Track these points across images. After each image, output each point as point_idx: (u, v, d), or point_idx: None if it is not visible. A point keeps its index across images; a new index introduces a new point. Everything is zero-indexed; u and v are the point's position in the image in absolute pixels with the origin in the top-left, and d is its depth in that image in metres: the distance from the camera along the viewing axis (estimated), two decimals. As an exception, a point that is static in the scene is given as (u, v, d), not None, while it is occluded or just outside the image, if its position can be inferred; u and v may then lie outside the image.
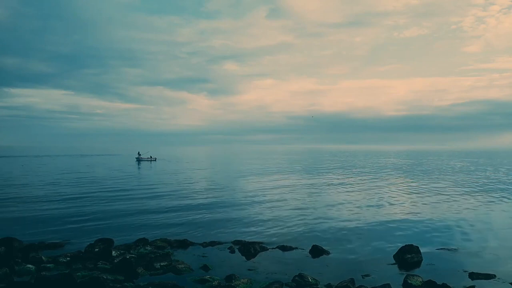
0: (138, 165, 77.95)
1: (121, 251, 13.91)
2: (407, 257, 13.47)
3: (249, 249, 14.52)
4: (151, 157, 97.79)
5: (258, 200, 28.14)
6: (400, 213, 23.29)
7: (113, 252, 13.58)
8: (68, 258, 12.96)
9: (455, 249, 15.19)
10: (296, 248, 15.22)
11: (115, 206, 25.11)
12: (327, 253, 14.50)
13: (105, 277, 10.80)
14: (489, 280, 11.64)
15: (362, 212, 23.34)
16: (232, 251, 14.74)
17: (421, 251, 13.88)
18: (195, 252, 14.64)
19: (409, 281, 11.06)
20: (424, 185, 39.66)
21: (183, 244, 15.46)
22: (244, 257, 14.02)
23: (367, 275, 12.01)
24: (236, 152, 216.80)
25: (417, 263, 13.28)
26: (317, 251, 14.53)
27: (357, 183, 41.15)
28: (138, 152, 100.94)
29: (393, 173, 57.34)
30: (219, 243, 15.82)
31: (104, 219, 20.85)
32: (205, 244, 15.58)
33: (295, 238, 16.86)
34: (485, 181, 44.71)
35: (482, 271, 12.23)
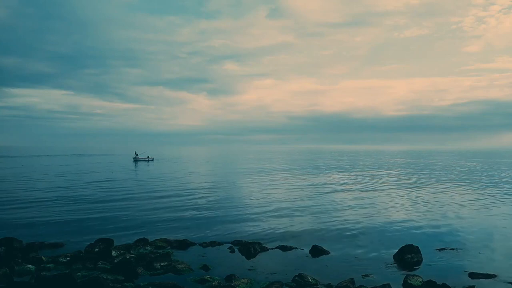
0: (135, 165, 77.76)
1: (121, 251, 13.90)
2: (407, 257, 13.48)
3: (249, 249, 14.52)
4: (148, 157, 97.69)
5: (258, 200, 28.13)
6: (400, 213, 23.29)
7: (113, 252, 13.58)
8: (68, 258, 12.95)
9: (455, 249, 15.19)
10: (296, 248, 15.22)
11: (114, 206, 25.10)
12: (327, 253, 14.50)
13: (105, 277, 10.80)
14: (489, 280, 11.64)
15: (362, 212, 23.33)
16: (232, 251, 14.74)
17: (421, 251, 13.89)
18: (195, 252, 14.64)
19: (409, 281, 11.06)
20: (424, 184, 39.66)
21: (183, 244, 15.45)
22: (244, 257, 14.02)
23: (367, 275, 12.01)
24: (236, 152, 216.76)
25: (417, 263, 13.28)
26: (317, 251, 14.53)
27: (357, 183, 41.15)
28: (135, 152, 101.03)
29: (392, 173, 57.33)
30: (219, 243, 15.82)
31: (104, 219, 20.85)
32: (205, 244, 15.58)
33: (295, 238, 16.86)
34: (486, 181, 44.71)
35: (482, 271, 12.24)
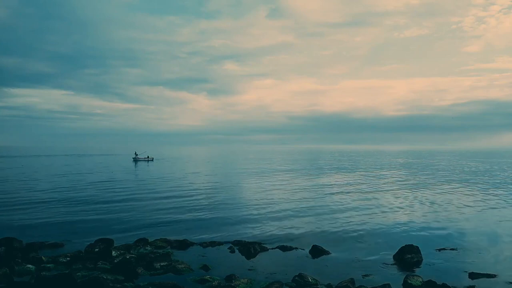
0: (135, 165, 77.70)
1: (121, 251, 13.90)
2: (407, 257, 13.47)
3: (249, 249, 14.52)
4: (148, 157, 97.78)
5: (258, 200, 28.12)
6: (401, 213, 23.29)
7: (113, 252, 13.58)
8: (68, 258, 12.95)
9: (455, 249, 15.19)
10: (296, 248, 15.22)
11: (114, 206, 25.10)
12: (327, 253, 14.50)
13: (105, 277, 10.80)
14: (489, 280, 11.64)
15: (362, 212, 23.32)
16: (232, 251, 14.74)
17: (421, 251, 13.89)
18: (195, 252, 14.64)
19: (409, 281, 11.05)
20: (425, 185, 39.65)
21: (183, 244, 15.45)
22: (244, 257, 14.02)
23: (367, 275, 12.01)
24: (236, 152, 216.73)
25: (417, 263, 13.28)
26: (317, 251, 14.53)
27: (358, 183, 41.14)
28: (135, 152, 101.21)
29: (393, 173, 57.33)
30: (219, 243, 15.82)
31: (104, 219, 20.85)
32: (205, 244, 15.58)
33: (295, 238, 16.86)
34: (488, 181, 44.70)
35: (482, 271, 12.24)
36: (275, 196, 30.70)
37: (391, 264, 13.29)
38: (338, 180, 45.47)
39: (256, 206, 25.37)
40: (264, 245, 15.36)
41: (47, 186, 36.32)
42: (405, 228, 19.13)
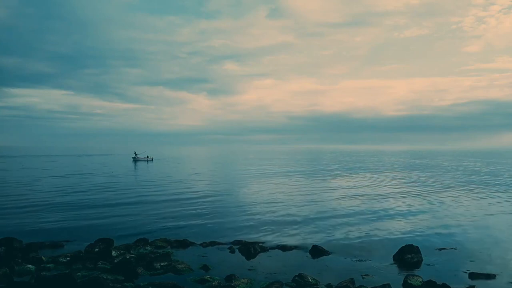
0: (135, 165, 77.65)
1: (121, 251, 13.91)
2: (407, 257, 13.48)
3: (249, 249, 14.52)
4: (147, 157, 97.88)
5: (258, 201, 28.12)
6: (400, 213, 23.28)
7: (113, 252, 13.59)
8: (68, 258, 12.96)
9: (455, 249, 15.19)
10: (296, 248, 15.23)
11: (114, 206, 25.10)
12: (327, 253, 14.50)
13: (105, 277, 10.81)
14: (489, 280, 11.65)
15: (362, 213, 23.32)
16: (232, 251, 14.74)
17: (421, 251, 13.89)
18: (195, 252, 14.64)
19: (409, 281, 11.06)
20: (424, 184, 39.65)
21: (183, 244, 15.46)
22: (244, 257, 14.02)
23: (367, 275, 12.01)
24: (236, 152, 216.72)
25: (417, 263, 13.28)
26: (317, 251, 14.53)
27: (357, 183, 41.14)
28: (135, 152, 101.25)
29: (392, 173, 57.33)
30: (219, 243, 15.82)
31: (104, 219, 20.85)
32: (205, 244, 15.58)
33: (295, 238, 16.87)
34: (489, 181, 44.69)
35: (482, 271, 12.24)
36: (275, 196, 30.69)
37: (391, 264, 13.29)
38: (338, 180, 45.48)
39: (256, 206, 25.37)
40: (264, 245, 15.37)
41: (47, 186, 36.32)
42: (405, 228, 19.13)
